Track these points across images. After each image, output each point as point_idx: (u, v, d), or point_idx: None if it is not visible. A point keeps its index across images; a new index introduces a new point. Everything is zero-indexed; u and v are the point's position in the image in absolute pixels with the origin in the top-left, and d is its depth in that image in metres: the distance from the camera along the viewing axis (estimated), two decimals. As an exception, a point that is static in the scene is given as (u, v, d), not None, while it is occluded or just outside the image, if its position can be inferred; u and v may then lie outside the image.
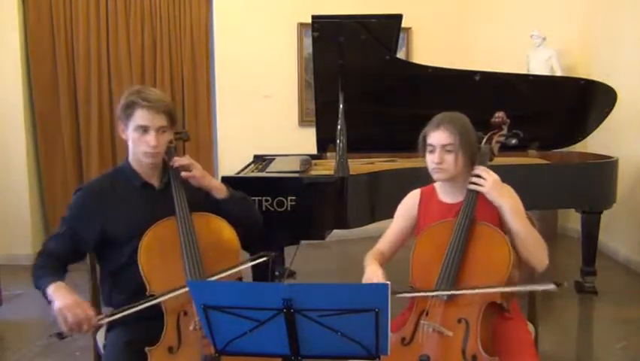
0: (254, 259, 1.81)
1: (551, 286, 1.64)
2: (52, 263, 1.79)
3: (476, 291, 1.71)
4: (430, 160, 1.89)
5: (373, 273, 1.82)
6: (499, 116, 2.04)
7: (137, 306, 1.70)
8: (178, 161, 1.95)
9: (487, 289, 1.71)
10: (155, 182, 1.98)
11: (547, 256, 1.85)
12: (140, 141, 1.87)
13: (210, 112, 5.04)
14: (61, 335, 1.62)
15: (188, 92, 4.90)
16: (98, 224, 1.88)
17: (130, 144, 1.92)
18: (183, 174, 1.94)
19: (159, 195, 1.95)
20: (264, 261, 1.80)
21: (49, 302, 1.69)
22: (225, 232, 1.93)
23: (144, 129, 1.85)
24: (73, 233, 1.86)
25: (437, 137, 1.86)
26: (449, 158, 1.86)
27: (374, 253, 1.98)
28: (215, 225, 1.93)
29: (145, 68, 4.77)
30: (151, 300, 1.71)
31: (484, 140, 1.99)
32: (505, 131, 2.04)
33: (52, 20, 4.53)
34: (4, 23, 4.41)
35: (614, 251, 4.58)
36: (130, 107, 1.86)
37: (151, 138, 1.85)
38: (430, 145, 1.88)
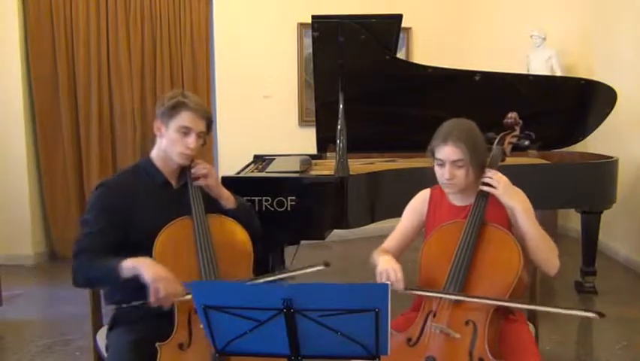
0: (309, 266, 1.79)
1: (592, 315, 1.59)
2: (99, 256, 1.76)
3: (500, 303, 1.69)
4: (440, 174, 1.86)
5: (388, 262, 1.77)
6: (512, 117, 2.03)
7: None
8: (199, 170, 1.97)
9: (515, 304, 1.71)
10: (173, 182, 2.01)
11: (558, 259, 1.84)
12: (179, 142, 1.91)
13: (210, 112, 5.02)
14: (143, 305, 1.64)
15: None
16: (120, 221, 1.87)
17: (164, 141, 1.94)
18: (198, 181, 1.96)
19: (176, 195, 1.97)
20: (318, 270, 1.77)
21: (116, 279, 1.69)
22: (239, 234, 1.96)
23: (186, 131, 1.90)
24: (109, 227, 1.84)
25: (446, 153, 1.82)
26: (460, 173, 1.83)
27: (381, 250, 1.95)
28: (230, 227, 1.97)
29: (145, 68, 4.76)
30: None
31: (496, 141, 1.98)
32: (517, 132, 2.03)
33: (52, 20, 4.53)
34: (4, 23, 4.41)
35: (614, 251, 4.58)
36: (177, 107, 1.90)
37: (192, 140, 1.91)
38: (439, 160, 1.85)
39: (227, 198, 2.05)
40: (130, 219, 1.88)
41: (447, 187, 1.89)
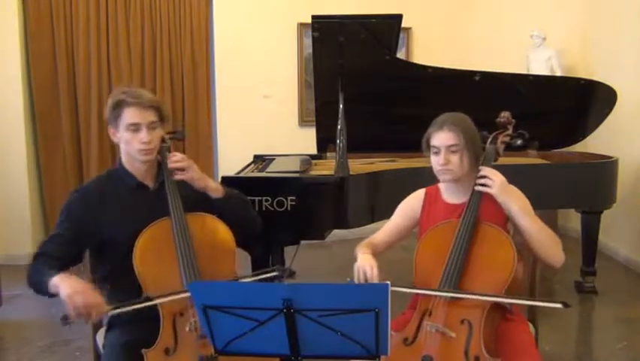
0: (264, 273, 1.80)
1: (558, 305, 1.63)
2: (50, 264, 1.75)
3: (477, 297, 1.70)
4: (436, 162, 1.88)
5: (364, 259, 1.80)
6: (504, 116, 2.03)
7: (144, 302, 1.68)
8: (173, 163, 1.92)
9: (490, 298, 1.70)
10: (149, 182, 1.97)
11: (563, 252, 1.84)
12: (132, 140, 1.86)
13: (210, 112, 5.03)
14: (66, 319, 1.58)
15: (188, 92, 4.90)
16: (94, 227, 1.86)
17: (122, 145, 1.91)
18: (177, 175, 1.92)
19: (154, 196, 1.94)
20: (274, 276, 1.78)
21: (51, 295, 1.66)
22: (221, 232, 1.92)
23: (135, 127, 1.85)
24: (71, 234, 1.84)
25: (441, 138, 1.85)
26: (454, 158, 1.85)
27: (366, 243, 1.96)
28: (211, 225, 1.93)
29: (145, 68, 4.77)
30: (156, 298, 1.69)
31: (489, 140, 1.98)
32: (510, 132, 2.03)
33: (52, 20, 4.53)
34: (5, 23, 4.40)
35: (614, 251, 4.58)
36: (118, 107, 1.86)
37: (143, 134, 1.85)
38: (435, 147, 1.87)
39: (214, 189, 1.99)
40: (104, 225, 1.87)
41: (443, 174, 1.89)
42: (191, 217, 1.89)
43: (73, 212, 1.88)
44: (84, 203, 1.89)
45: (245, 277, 1.84)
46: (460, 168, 1.86)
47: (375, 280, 1.74)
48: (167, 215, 1.87)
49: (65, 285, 1.61)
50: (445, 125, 1.85)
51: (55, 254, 1.79)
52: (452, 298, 1.71)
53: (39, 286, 1.71)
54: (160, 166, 1.97)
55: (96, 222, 1.87)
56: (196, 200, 1.95)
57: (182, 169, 1.92)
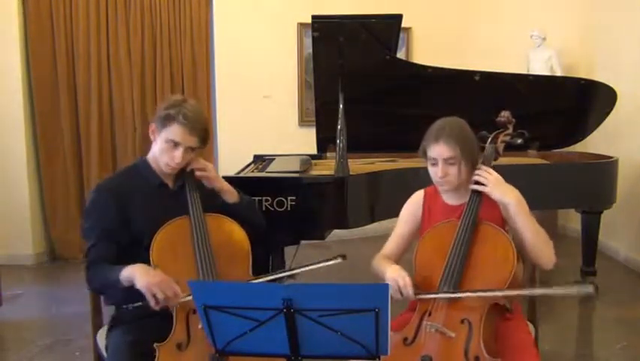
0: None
1: (590, 290, 1.55)
2: (104, 267, 1.79)
3: (502, 293, 1.69)
4: (434, 173, 1.88)
5: (395, 271, 1.79)
6: (504, 115, 2.03)
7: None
8: (193, 165, 1.97)
9: (508, 292, 1.69)
10: (169, 183, 2.01)
11: (554, 254, 1.84)
12: (165, 153, 1.90)
13: (210, 112, 5.03)
14: (143, 306, 1.67)
15: (188, 93, 4.88)
16: (123, 224, 1.87)
17: (157, 147, 1.94)
18: (198, 174, 1.97)
19: (173, 196, 1.97)
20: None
21: (120, 288, 1.74)
22: (236, 233, 1.95)
23: (174, 144, 1.89)
24: (107, 234, 1.85)
25: (438, 151, 1.84)
26: (452, 170, 1.84)
27: (382, 257, 1.96)
28: (227, 226, 1.96)
29: (145, 68, 4.76)
30: None
31: (489, 139, 1.98)
32: (510, 131, 2.03)
33: (52, 20, 4.53)
34: (4, 23, 4.40)
35: (614, 251, 4.58)
36: (168, 120, 1.88)
37: (178, 154, 1.89)
38: (432, 158, 1.87)
39: (230, 192, 2.05)
40: (126, 221, 1.88)
41: (441, 185, 1.89)
42: (208, 218, 1.92)
43: (100, 211, 1.89)
44: (108, 199, 1.90)
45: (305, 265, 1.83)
46: (457, 178, 1.86)
47: (410, 290, 1.73)
48: (185, 215, 1.89)
49: (140, 276, 1.69)
50: (441, 138, 1.83)
51: (104, 258, 1.82)
52: (452, 298, 1.71)
53: (108, 288, 1.78)
54: (181, 169, 1.99)
55: (121, 217, 1.88)
56: (209, 203, 1.98)
57: (201, 169, 1.97)
